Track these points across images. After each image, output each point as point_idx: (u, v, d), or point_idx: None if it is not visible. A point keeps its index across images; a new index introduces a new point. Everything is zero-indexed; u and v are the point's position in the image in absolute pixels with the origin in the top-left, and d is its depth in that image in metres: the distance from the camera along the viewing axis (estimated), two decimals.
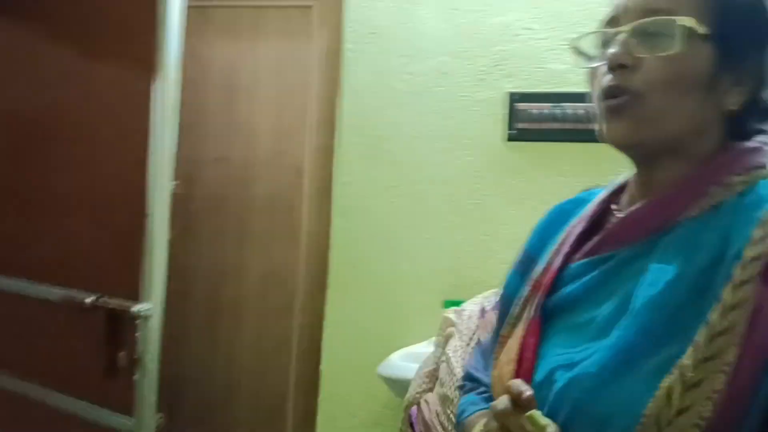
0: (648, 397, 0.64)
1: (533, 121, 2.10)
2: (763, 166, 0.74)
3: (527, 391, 0.68)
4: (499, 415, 0.71)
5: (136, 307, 1.89)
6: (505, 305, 0.90)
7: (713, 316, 0.64)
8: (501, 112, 2.17)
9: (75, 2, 2.09)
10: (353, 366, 2.28)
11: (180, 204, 2.45)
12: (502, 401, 0.71)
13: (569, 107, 2.06)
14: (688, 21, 0.71)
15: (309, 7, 2.45)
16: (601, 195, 0.87)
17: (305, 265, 2.43)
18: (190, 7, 2.40)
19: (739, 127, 0.76)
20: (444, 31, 2.25)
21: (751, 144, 0.76)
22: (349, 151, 2.33)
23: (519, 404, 0.68)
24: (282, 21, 2.47)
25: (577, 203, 0.91)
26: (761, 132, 0.77)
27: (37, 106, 2.18)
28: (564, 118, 2.08)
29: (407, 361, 1.90)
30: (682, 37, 0.71)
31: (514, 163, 2.17)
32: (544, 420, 0.67)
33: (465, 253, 2.19)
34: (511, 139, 2.16)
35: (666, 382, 0.64)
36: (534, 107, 2.11)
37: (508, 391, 0.70)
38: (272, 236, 2.46)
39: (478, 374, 0.95)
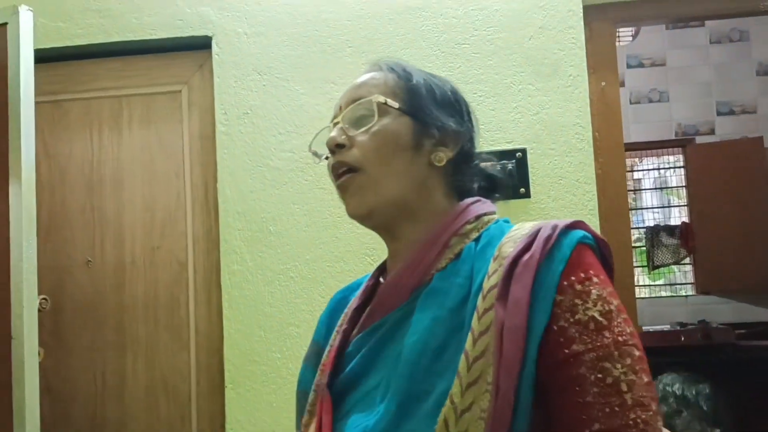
0: None
1: None
2: (487, 213, 0.87)
3: None
4: None
5: None
6: (302, 399, 0.94)
7: (468, 344, 0.73)
8: None
9: None
10: None
11: (48, 318, 2.21)
12: None
13: None
14: (380, 98, 0.86)
15: (177, 91, 2.33)
16: (372, 273, 0.96)
17: (197, 366, 2.22)
18: (43, 103, 2.24)
19: (458, 186, 0.90)
20: (321, 105, 2.20)
21: (472, 198, 0.90)
22: (234, 237, 2.19)
23: None
24: (148, 108, 2.32)
25: (353, 288, 0.99)
26: (479, 189, 0.93)
27: None
28: None
29: None
30: (377, 112, 0.85)
31: None
32: None
33: None
34: None
35: (442, 413, 0.70)
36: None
37: None
38: (156, 340, 2.24)
39: None
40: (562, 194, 2.08)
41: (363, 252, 2.14)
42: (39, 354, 1.79)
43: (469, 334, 0.73)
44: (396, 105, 0.86)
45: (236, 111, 2.23)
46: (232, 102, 2.23)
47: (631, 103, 4.86)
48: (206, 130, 2.27)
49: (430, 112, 0.88)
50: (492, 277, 0.76)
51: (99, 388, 2.24)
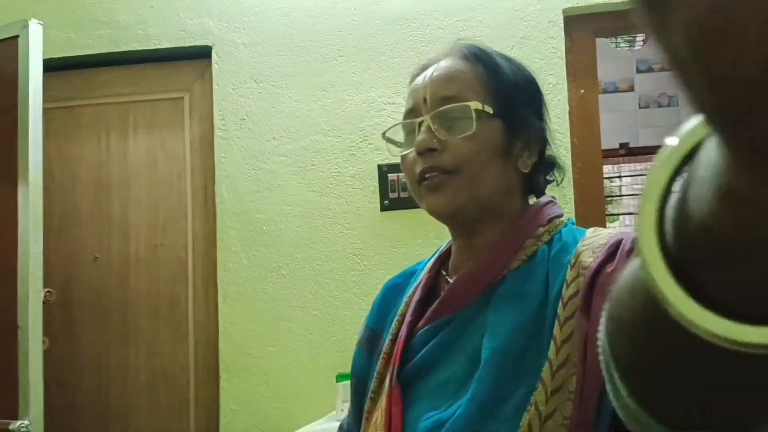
0: None
1: (404, 190, 2.16)
2: (558, 216, 0.87)
3: None
4: None
5: (15, 425, 1.78)
6: (357, 383, 0.96)
7: (551, 352, 0.74)
8: (373, 184, 2.24)
9: None
10: None
11: (58, 310, 2.36)
12: None
13: None
14: (478, 105, 0.83)
15: (180, 98, 2.47)
16: (429, 263, 0.95)
17: (195, 357, 2.35)
18: (56, 108, 2.39)
19: (532, 184, 0.91)
20: (313, 111, 2.31)
21: (545, 198, 0.90)
22: (230, 237, 2.32)
23: None
24: (152, 114, 2.47)
25: (408, 276, 0.99)
26: (548, 183, 0.93)
27: None
28: None
29: None
30: (475, 119, 0.82)
31: (390, 232, 2.22)
32: None
33: (354, 325, 2.19)
34: (384, 209, 2.22)
35: (525, 418, 0.72)
36: (404, 177, 2.17)
37: None
38: (157, 332, 2.37)
39: None
40: None
41: (350, 252, 2.25)
42: (44, 343, 1.92)
43: (552, 342, 0.74)
44: (491, 111, 0.84)
45: (234, 117, 2.35)
46: (230, 108, 2.36)
47: (640, 107, 4.90)
48: (206, 134, 2.41)
49: (520, 114, 0.87)
50: (571, 286, 0.76)
51: (104, 377, 2.39)
